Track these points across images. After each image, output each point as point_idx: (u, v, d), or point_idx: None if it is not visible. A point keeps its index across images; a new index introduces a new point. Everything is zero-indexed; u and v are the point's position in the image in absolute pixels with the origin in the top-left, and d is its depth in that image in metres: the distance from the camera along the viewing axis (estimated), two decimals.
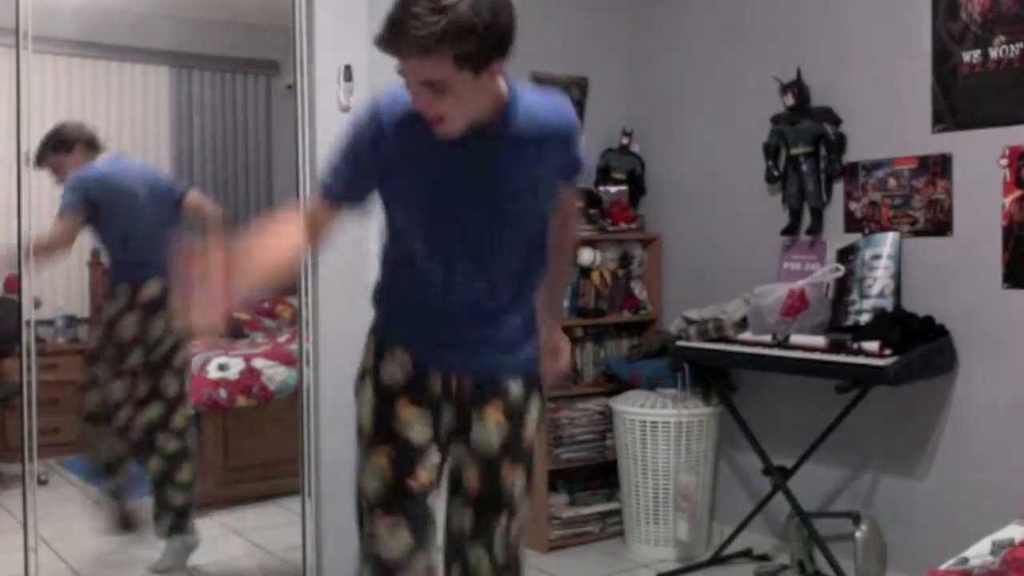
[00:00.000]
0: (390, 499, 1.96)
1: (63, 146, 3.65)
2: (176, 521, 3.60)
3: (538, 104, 1.95)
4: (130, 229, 3.64)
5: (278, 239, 1.90)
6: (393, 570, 1.95)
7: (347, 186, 1.98)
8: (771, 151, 3.75)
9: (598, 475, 4.17)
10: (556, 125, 1.97)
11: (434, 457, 2.02)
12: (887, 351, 3.10)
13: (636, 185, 4.34)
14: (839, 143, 3.56)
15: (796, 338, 3.35)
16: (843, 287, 3.47)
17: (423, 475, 1.98)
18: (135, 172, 3.80)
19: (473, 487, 2.02)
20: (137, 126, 4.45)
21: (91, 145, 3.73)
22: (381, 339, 2.08)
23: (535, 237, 2.03)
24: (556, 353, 2.30)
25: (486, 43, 1.71)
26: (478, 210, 1.93)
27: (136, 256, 3.61)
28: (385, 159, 1.92)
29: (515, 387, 2.05)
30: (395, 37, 1.70)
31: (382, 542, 1.96)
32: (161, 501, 3.61)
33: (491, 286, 1.99)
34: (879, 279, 3.38)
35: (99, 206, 3.59)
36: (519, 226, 1.99)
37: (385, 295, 2.10)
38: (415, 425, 2.00)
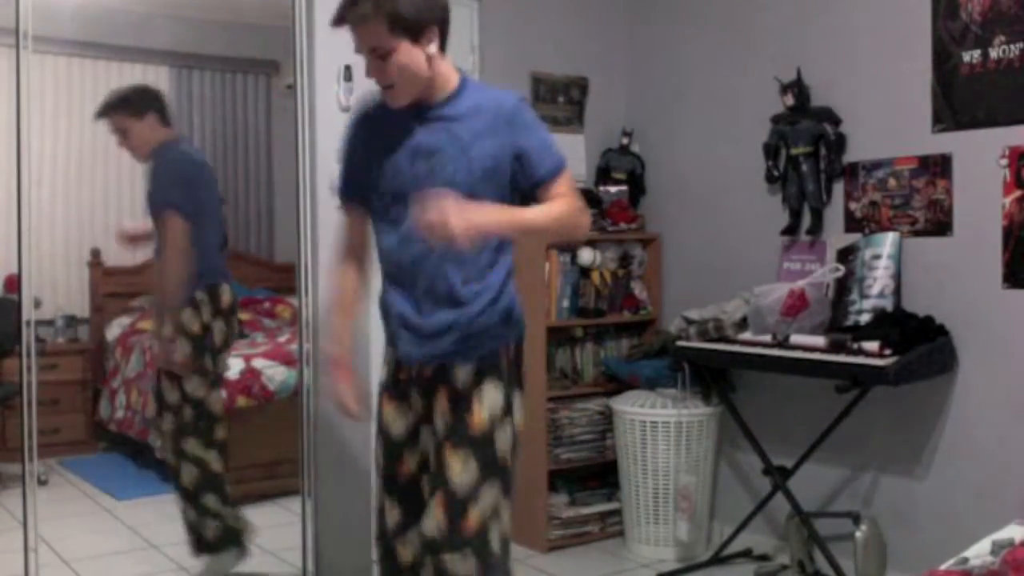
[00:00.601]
0: (384, 482, 2.30)
1: (136, 108, 3.40)
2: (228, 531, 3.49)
3: (485, 93, 2.18)
4: (207, 227, 3.40)
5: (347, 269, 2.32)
6: (386, 541, 2.28)
7: (348, 183, 2.27)
8: (771, 151, 3.75)
9: (598, 475, 4.17)
10: (495, 109, 2.13)
11: (420, 444, 2.24)
12: (887, 351, 3.10)
13: (636, 185, 4.34)
14: (839, 143, 3.56)
15: (796, 338, 3.35)
16: (843, 287, 3.47)
17: (407, 465, 2.25)
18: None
19: (430, 470, 2.21)
20: None
21: (163, 117, 3.43)
22: (386, 344, 2.32)
23: None
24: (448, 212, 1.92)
25: (415, 7, 2.02)
26: (422, 195, 2.08)
27: (209, 260, 3.39)
28: (361, 149, 2.21)
29: (464, 373, 2.16)
30: (339, 13, 2.05)
31: (380, 516, 2.30)
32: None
33: (437, 276, 2.14)
34: (879, 279, 3.38)
35: (191, 199, 3.35)
36: None
37: (380, 298, 2.30)
38: (393, 423, 2.26)
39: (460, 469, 2.10)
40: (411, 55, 2.05)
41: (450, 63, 2.18)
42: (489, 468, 2.12)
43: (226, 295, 3.43)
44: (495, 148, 2.12)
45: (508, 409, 2.17)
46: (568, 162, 2.23)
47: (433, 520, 2.10)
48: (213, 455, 3.43)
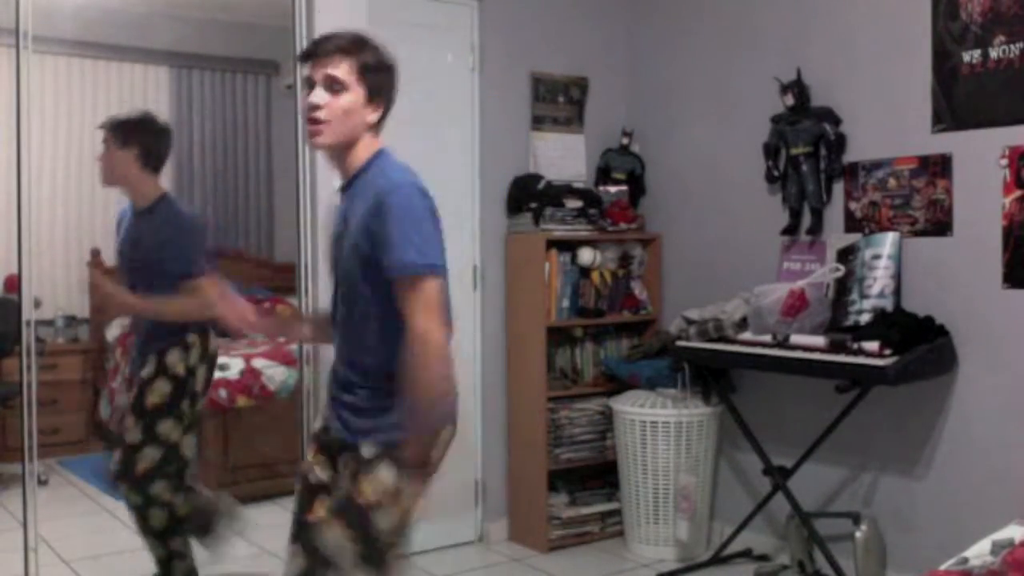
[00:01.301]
0: (293, 529, 2.24)
1: (121, 137, 3.13)
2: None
3: (384, 171, 2.08)
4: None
5: None
6: None
7: None
8: (771, 151, 3.75)
9: (598, 475, 4.17)
10: (376, 188, 2.03)
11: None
12: (887, 351, 3.10)
13: (636, 185, 4.34)
14: (839, 143, 3.56)
15: (796, 338, 3.35)
16: (843, 287, 3.47)
17: (316, 513, 2.16)
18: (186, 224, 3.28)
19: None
20: None
21: (147, 158, 3.16)
22: None
23: (365, 311, 2.06)
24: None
25: (381, 73, 2.10)
26: (335, 273, 2.15)
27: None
28: None
29: (367, 450, 2.07)
30: (317, 44, 2.10)
31: (285, 567, 2.22)
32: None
33: (343, 351, 2.16)
34: (879, 279, 3.38)
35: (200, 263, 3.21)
36: (350, 294, 2.09)
37: None
38: (313, 468, 2.22)
39: (329, 535, 2.08)
40: (358, 104, 2.06)
41: (378, 141, 2.14)
42: (360, 546, 2.06)
43: (213, 341, 3.34)
44: (361, 233, 2.01)
45: (398, 494, 2.07)
46: (431, 261, 1.98)
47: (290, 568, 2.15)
48: (181, 498, 3.27)
